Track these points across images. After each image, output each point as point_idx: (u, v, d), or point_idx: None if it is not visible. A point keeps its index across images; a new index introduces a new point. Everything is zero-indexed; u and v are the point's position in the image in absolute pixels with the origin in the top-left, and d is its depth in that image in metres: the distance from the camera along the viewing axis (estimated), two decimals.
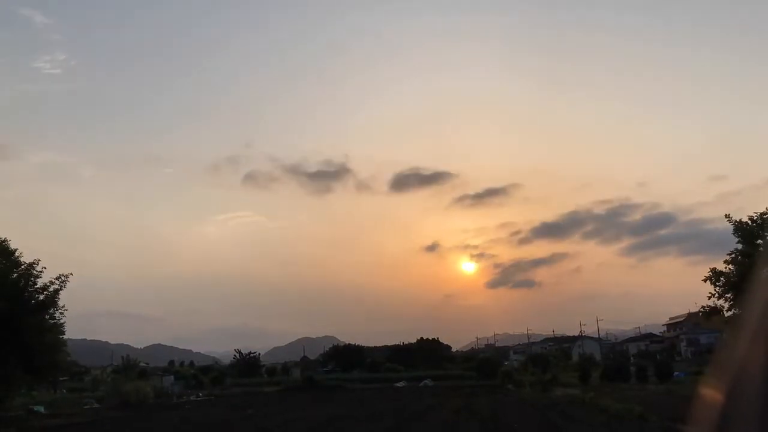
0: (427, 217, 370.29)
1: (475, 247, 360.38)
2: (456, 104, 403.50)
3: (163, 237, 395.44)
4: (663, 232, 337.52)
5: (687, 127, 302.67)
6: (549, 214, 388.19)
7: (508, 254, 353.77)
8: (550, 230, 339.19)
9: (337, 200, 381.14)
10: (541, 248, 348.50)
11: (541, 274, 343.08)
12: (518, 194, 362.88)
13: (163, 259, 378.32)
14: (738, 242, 27.41)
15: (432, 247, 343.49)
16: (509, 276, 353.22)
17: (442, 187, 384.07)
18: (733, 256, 27.25)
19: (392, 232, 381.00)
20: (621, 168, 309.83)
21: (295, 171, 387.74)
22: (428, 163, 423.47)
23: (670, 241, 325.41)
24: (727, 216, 27.69)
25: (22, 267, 31.17)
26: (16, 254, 31.57)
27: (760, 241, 26.77)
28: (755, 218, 27.04)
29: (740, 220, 27.41)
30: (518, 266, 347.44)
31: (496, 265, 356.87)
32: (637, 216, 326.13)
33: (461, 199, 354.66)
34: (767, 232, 26.85)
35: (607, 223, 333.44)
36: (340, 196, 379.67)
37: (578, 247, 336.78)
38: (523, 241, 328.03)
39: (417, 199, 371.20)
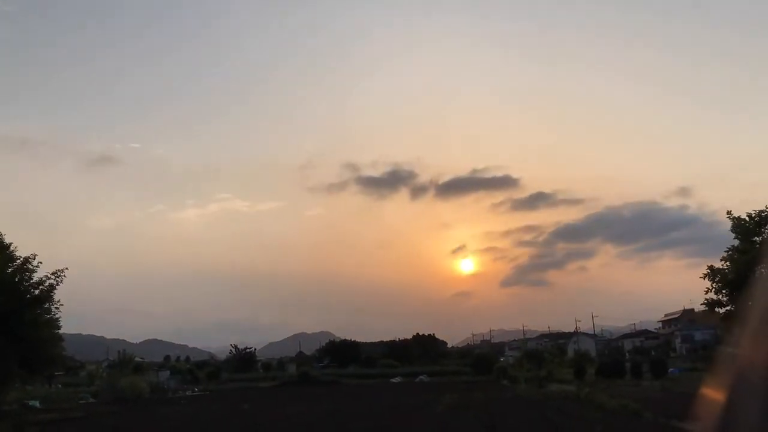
0: (465, 221, 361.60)
1: (496, 248, 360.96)
2: (529, 106, 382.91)
3: (158, 229, 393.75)
4: (675, 234, 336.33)
5: (749, 130, 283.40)
6: (578, 216, 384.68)
7: (525, 256, 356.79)
8: (572, 232, 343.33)
9: (385, 203, 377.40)
10: (559, 250, 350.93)
11: (553, 274, 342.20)
12: (560, 197, 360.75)
13: (159, 253, 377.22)
14: (735, 238, 27.43)
15: (458, 250, 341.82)
16: (522, 276, 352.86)
17: (494, 191, 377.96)
18: (729, 253, 27.29)
19: (424, 236, 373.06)
20: (668, 170, 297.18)
21: (360, 179, 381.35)
22: (494, 167, 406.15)
23: (676, 243, 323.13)
24: (728, 213, 27.71)
25: (18, 262, 31.09)
26: (11, 248, 31.49)
27: (756, 239, 26.80)
28: (753, 215, 27.06)
29: (739, 216, 27.41)
30: (532, 267, 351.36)
31: (514, 267, 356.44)
32: (661, 219, 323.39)
33: (502, 204, 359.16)
34: (765, 229, 26.88)
35: (629, 225, 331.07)
36: (389, 199, 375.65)
37: (594, 249, 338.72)
38: (545, 243, 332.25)
39: (465, 203, 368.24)
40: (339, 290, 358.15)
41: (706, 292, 27.79)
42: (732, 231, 27.51)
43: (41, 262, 31.24)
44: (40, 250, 31.52)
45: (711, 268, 27.72)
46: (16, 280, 30.65)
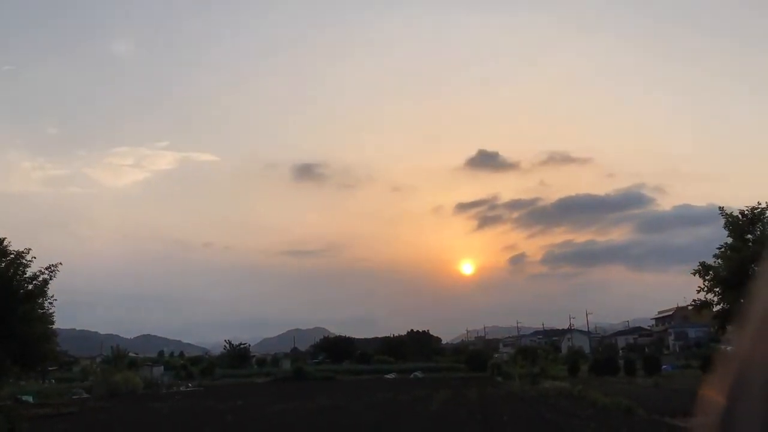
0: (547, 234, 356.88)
1: (552, 254, 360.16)
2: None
3: (156, 226, 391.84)
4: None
5: None
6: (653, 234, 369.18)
7: (570, 262, 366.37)
8: (622, 245, 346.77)
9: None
10: (600, 251, 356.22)
11: (582, 274, 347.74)
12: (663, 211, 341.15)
13: (156, 248, 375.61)
14: (728, 236, 27.34)
15: (518, 258, 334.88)
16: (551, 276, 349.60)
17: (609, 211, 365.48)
18: (722, 250, 27.22)
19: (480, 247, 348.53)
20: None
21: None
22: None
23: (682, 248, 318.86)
24: (720, 209, 27.53)
25: (11, 256, 30.96)
26: (5, 243, 31.34)
27: (750, 236, 26.76)
28: (746, 212, 26.95)
29: (731, 213, 27.25)
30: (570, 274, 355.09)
31: (531, 274, 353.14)
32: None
33: (599, 221, 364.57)
34: (758, 227, 26.83)
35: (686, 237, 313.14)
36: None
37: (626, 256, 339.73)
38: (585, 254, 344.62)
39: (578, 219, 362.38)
40: (337, 286, 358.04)
41: (698, 291, 27.75)
42: (725, 228, 27.42)
43: (35, 257, 31.15)
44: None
45: (703, 264, 27.64)
46: (9, 274, 30.52)
